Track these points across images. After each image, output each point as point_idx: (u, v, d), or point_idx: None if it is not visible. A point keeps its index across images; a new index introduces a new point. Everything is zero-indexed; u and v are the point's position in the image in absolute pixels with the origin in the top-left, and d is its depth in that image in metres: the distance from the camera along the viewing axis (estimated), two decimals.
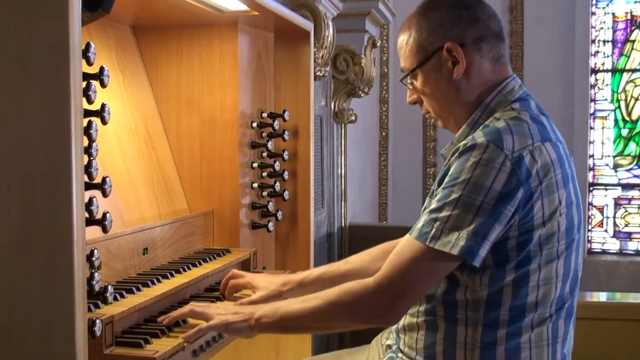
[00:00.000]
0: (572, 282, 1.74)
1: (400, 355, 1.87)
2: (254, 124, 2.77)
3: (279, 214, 2.89)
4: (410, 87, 1.89)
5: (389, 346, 2.02)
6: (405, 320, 1.85)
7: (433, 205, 1.66)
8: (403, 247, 1.69)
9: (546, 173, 1.63)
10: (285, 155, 2.89)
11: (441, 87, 1.81)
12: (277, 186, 2.86)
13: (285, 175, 2.90)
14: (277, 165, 2.86)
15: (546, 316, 1.71)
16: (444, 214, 1.62)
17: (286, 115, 2.88)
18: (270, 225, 2.86)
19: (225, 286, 2.23)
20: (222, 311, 1.87)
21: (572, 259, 1.72)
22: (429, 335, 1.77)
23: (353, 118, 4.66)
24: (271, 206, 2.86)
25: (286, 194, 2.90)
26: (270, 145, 2.83)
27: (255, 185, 2.79)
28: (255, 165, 2.78)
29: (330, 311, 1.74)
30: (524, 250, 1.65)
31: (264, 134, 2.83)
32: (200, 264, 2.38)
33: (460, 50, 1.76)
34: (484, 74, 1.79)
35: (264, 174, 2.84)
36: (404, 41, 1.85)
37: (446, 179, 1.66)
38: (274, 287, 2.15)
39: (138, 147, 2.45)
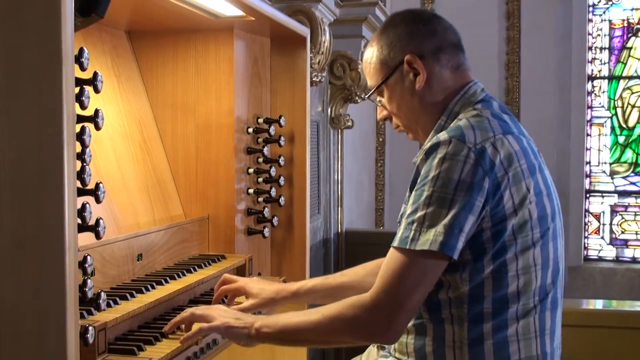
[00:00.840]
0: (553, 273, 1.77)
1: (392, 353, 1.89)
2: (250, 130, 2.76)
3: (275, 220, 2.88)
4: (379, 104, 1.96)
5: (382, 346, 2.04)
6: None
7: (408, 210, 1.69)
8: (389, 258, 1.69)
9: (510, 163, 1.68)
10: (281, 160, 2.88)
11: (406, 99, 1.88)
12: (273, 192, 2.85)
13: (281, 180, 2.89)
14: (273, 171, 2.85)
15: (530, 307, 1.72)
16: (419, 214, 1.65)
17: (282, 121, 2.87)
18: (266, 231, 2.85)
19: (218, 288, 2.21)
20: (223, 314, 1.88)
21: (549, 248, 1.75)
22: (418, 338, 1.79)
23: (350, 124, 4.66)
24: (267, 212, 2.85)
25: (282, 200, 2.89)
26: (266, 150, 2.83)
27: (250, 190, 2.78)
28: (251, 170, 2.77)
29: (331, 326, 1.74)
30: (499, 241, 1.68)
31: (260, 140, 2.82)
32: (195, 270, 2.37)
33: (419, 61, 1.84)
34: (445, 82, 1.86)
35: (260, 179, 2.83)
36: (367, 60, 1.94)
37: (418, 182, 1.70)
38: (266, 295, 2.14)
39: (133, 153, 2.44)
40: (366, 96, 1.97)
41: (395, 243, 1.68)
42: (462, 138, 1.66)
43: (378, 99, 1.95)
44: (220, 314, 1.87)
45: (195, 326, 1.88)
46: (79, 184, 1.51)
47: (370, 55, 1.92)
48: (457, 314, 1.72)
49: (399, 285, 1.65)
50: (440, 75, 1.85)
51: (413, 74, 1.85)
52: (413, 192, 1.70)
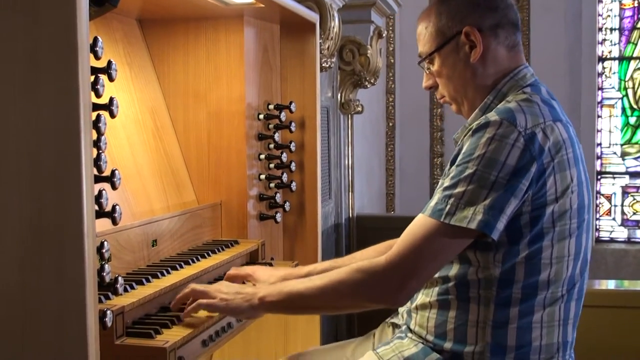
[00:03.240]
0: (582, 264, 1.78)
1: (409, 334, 1.90)
2: (261, 116, 2.78)
3: (287, 205, 2.91)
4: (427, 72, 1.95)
5: (396, 325, 2.04)
6: (419, 299, 1.87)
7: (446, 183, 1.68)
8: (416, 225, 1.70)
9: (558, 150, 1.68)
10: (292, 146, 2.90)
11: (458, 70, 1.87)
12: (285, 177, 2.87)
13: (293, 166, 2.91)
14: (284, 157, 2.87)
15: (558, 296, 1.74)
16: (459, 189, 1.65)
17: (293, 107, 2.89)
18: (278, 217, 2.87)
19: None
20: (224, 289, 1.88)
21: (582, 240, 1.76)
22: (441, 313, 1.79)
23: (360, 109, 4.67)
24: (279, 197, 2.87)
25: (293, 185, 2.91)
26: (277, 136, 2.85)
27: (262, 176, 2.80)
28: (262, 156, 2.79)
29: (338, 290, 1.74)
30: (536, 226, 1.68)
31: (271, 126, 2.84)
32: (209, 255, 2.40)
33: (478, 34, 1.82)
34: (499, 60, 1.85)
35: (271, 165, 2.85)
36: (424, 27, 1.92)
37: (459, 157, 1.69)
38: (275, 280, 2.12)
39: (146, 140, 2.47)
40: (418, 62, 1.94)
41: (427, 212, 1.68)
42: (514, 121, 1.66)
43: (427, 65, 1.94)
44: (219, 290, 1.88)
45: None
46: (95, 171, 1.54)
47: (428, 21, 1.90)
48: (485, 295, 1.73)
49: (420, 252, 1.66)
50: (496, 51, 1.85)
51: (469, 46, 1.84)
52: (454, 167, 1.69)
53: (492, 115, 1.69)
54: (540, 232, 1.69)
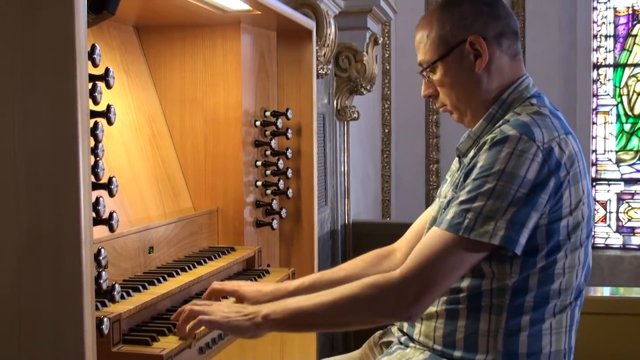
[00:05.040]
0: (587, 272, 1.80)
1: (412, 344, 1.88)
2: (257, 123, 2.78)
3: (283, 212, 2.91)
4: (427, 80, 1.92)
5: (388, 343, 2.02)
6: None
7: (463, 197, 1.66)
8: (432, 239, 1.67)
9: (572, 163, 1.69)
10: (289, 153, 2.90)
11: (462, 79, 1.84)
12: (281, 184, 2.88)
13: (289, 173, 2.92)
14: (280, 164, 2.88)
15: (567, 303, 1.75)
16: (478, 204, 1.63)
17: (289, 114, 2.89)
18: (275, 223, 2.87)
19: (208, 298, 2.08)
20: (224, 309, 1.81)
21: (589, 249, 1.79)
22: (449, 323, 1.78)
23: (355, 115, 4.67)
24: (275, 204, 2.87)
25: (290, 192, 2.91)
26: (273, 143, 2.85)
27: (259, 183, 2.80)
28: (259, 163, 2.80)
29: (350, 305, 1.70)
30: (553, 239, 1.68)
31: (268, 133, 2.84)
32: (205, 262, 2.40)
33: (483, 43, 1.80)
34: (502, 69, 1.84)
35: (268, 172, 2.86)
36: (425, 34, 1.88)
37: (476, 171, 1.67)
38: (263, 297, 2.04)
39: (142, 147, 2.47)
40: (419, 71, 1.91)
41: (444, 226, 1.66)
42: (532, 136, 1.65)
43: (427, 74, 1.90)
44: (220, 309, 1.80)
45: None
46: (92, 179, 1.54)
47: (429, 29, 1.86)
48: (497, 303, 1.72)
49: (436, 267, 1.64)
50: (500, 61, 1.83)
51: (474, 55, 1.81)
52: (470, 180, 1.67)
53: (509, 130, 1.67)
54: (557, 244, 1.69)
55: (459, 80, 1.85)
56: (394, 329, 2.04)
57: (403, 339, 1.93)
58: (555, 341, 1.74)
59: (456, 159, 1.96)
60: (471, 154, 1.78)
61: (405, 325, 1.95)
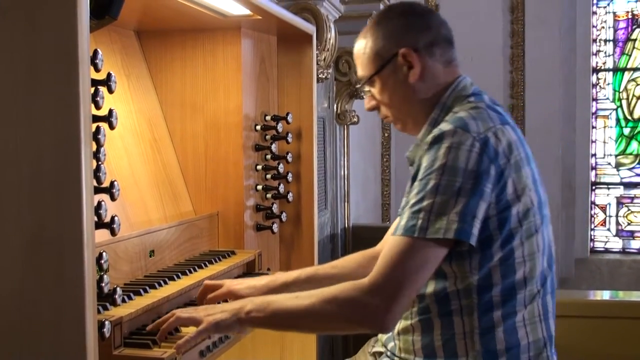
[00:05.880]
0: (549, 258, 1.82)
1: (397, 358, 1.89)
2: (258, 127, 2.79)
3: (283, 216, 2.92)
4: (369, 94, 1.97)
5: (379, 353, 2.04)
6: (400, 324, 1.86)
7: (413, 200, 1.69)
8: (392, 246, 1.68)
9: (511, 151, 1.72)
10: (289, 157, 2.91)
11: (398, 91, 1.90)
12: (281, 188, 2.89)
13: (289, 177, 2.93)
14: (281, 168, 2.89)
15: (535, 292, 1.76)
16: (427, 202, 1.66)
17: (289, 118, 2.90)
18: (275, 227, 2.88)
19: (202, 300, 2.10)
20: (210, 311, 1.81)
21: (545, 235, 1.80)
22: (425, 335, 1.79)
23: (355, 119, 4.68)
24: (275, 208, 2.88)
25: (290, 196, 2.92)
26: (274, 147, 2.86)
27: (259, 187, 2.81)
28: (259, 167, 2.81)
29: (323, 311, 1.71)
30: (505, 228, 1.70)
31: (268, 137, 2.85)
32: (206, 265, 2.41)
33: (414, 55, 1.86)
34: (437, 76, 1.89)
35: (268, 176, 2.87)
36: (361, 50, 1.94)
37: (421, 172, 1.71)
38: (257, 292, 2.06)
39: (143, 151, 2.48)
40: (358, 86, 1.99)
41: (399, 232, 1.68)
42: (466, 127, 1.69)
43: (368, 89, 1.96)
44: (207, 313, 1.80)
45: (190, 329, 1.83)
46: (94, 183, 1.55)
47: (364, 45, 1.93)
48: (466, 304, 1.74)
49: (401, 271, 1.65)
50: (434, 69, 1.88)
51: (407, 66, 1.86)
52: (417, 182, 1.71)
53: (445, 126, 1.72)
54: (510, 233, 1.71)
55: (396, 92, 1.90)
56: (381, 337, 2.04)
57: (389, 352, 1.95)
58: (531, 332, 1.76)
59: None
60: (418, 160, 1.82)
61: (390, 344, 1.96)
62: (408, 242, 1.66)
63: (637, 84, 6.60)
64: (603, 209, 6.70)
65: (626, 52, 6.64)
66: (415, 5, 1.98)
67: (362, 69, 1.95)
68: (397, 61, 1.87)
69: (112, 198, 1.66)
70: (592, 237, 6.67)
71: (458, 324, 1.75)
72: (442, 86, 1.88)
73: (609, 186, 6.68)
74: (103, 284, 1.62)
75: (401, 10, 1.94)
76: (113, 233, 1.65)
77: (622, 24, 6.67)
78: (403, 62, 1.86)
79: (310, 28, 3.01)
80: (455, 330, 1.75)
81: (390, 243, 1.70)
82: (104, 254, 1.63)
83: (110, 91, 1.65)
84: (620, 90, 6.63)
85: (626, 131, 6.64)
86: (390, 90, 1.91)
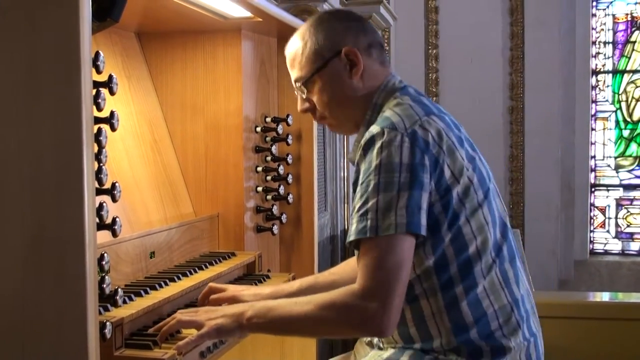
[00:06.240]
0: (501, 228, 1.86)
1: (384, 346, 1.95)
2: (258, 129, 2.80)
3: (283, 217, 2.92)
4: (304, 96, 1.99)
5: (371, 343, 2.07)
6: None
7: (358, 204, 1.72)
8: (360, 254, 1.70)
9: (441, 138, 1.76)
10: (289, 159, 2.92)
11: (338, 89, 1.93)
12: (282, 190, 2.89)
13: (289, 178, 2.93)
14: (281, 169, 2.89)
15: (490, 262, 1.80)
16: (371, 203, 1.69)
17: (290, 120, 2.91)
18: (275, 229, 2.89)
19: (203, 301, 2.10)
20: (212, 315, 1.82)
21: (493, 206, 1.85)
22: (400, 322, 1.79)
23: None
24: (275, 209, 2.89)
25: (290, 198, 2.93)
26: (274, 149, 2.87)
27: (259, 189, 2.82)
28: (259, 169, 2.81)
29: (322, 317, 1.72)
30: (449, 209, 1.75)
31: (268, 139, 2.86)
32: (206, 267, 2.41)
33: (358, 53, 1.91)
34: (374, 75, 1.94)
35: (268, 177, 2.87)
36: (298, 51, 1.97)
37: (361, 176, 1.75)
38: (262, 299, 2.05)
39: (144, 152, 2.48)
40: (297, 86, 1.99)
41: (352, 237, 1.71)
42: (393, 126, 1.74)
43: (303, 89, 1.97)
44: (208, 317, 1.81)
45: (192, 331, 1.83)
46: (96, 184, 1.55)
47: (302, 46, 1.95)
48: (428, 286, 1.78)
49: (382, 271, 1.66)
50: (371, 68, 1.93)
51: (349, 65, 1.91)
52: (358, 187, 1.75)
53: (374, 128, 1.76)
54: (454, 213, 1.75)
55: (335, 91, 1.93)
56: None
57: (380, 343, 2.00)
58: (495, 300, 1.79)
59: None
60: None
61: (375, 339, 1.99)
62: (369, 245, 1.68)
63: (637, 86, 6.61)
64: (602, 210, 6.70)
65: (625, 54, 6.64)
66: (348, 11, 2.06)
67: (299, 70, 1.97)
68: (338, 60, 1.91)
69: (114, 199, 1.67)
70: (592, 239, 6.67)
71: (425, 307, 1.79)
72: (376, 86, 1.94)
73: (609, 188, 6.69)
74: (104, 285, 1.63)
75: (339, 14, 2.03)
76: (114, 234, 1.66)
77: (621, 26, 6.67)
78: (345, 61, 1.91)
79: None
80: (425, 313, 1.80)
81: (358, 254, 1.73)
82: (105, 255, 1.63)
83: (112, 93, 1.66)
84: (620, 92, 6.64)
85: (625, 133, 6.65)
86: (330, 89, 1.93)
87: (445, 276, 1.77)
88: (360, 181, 1.74)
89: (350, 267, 2.22)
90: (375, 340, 2.02)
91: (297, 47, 1.97)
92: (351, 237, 1.72)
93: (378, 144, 1.72)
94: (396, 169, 1.69)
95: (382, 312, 1.65)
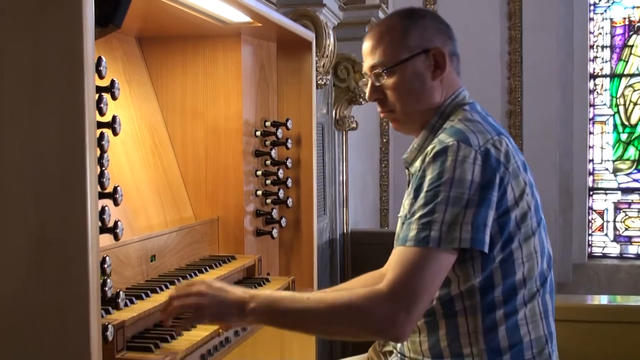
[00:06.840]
0: (547, 259, 1.87)
1: (407, 358, 1.92)
2: (258, 133, 2.81)
3: (283, 221, 2.94)
4: (377, 84, 1.94)
5: (389, 352, 2.06)
6: None
7: (421, 211, 1.71)
8: (404, 258, 1.69)
9: (508, 160, 1.77)
10: (289, 163, 2.93)
11: (418, 87, 1.92)
12: (281, 193, 2.91)
13: (289, 182, 2.95)
14: (280, 173, 2.91)
15: (534, 291, 1.81)
16: (438, 214, 1.69)
17: (289, 124, 2.92)
18: (275, 232, 2.90)
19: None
20: (216, 302, 1.77)
21: (543, 237, 1.87)
22: (432, 335, 1.83)
23: (354, 125, 4.71)
24: (275, 213, 2.90)
25: (290, 201, 2.94)
26: (273, 153, 2.88)
27: (259, 192, 2.83)
28: (259, 173, 2.83)
29: (338, 316, 1.71)
30: (505, 231, 1.76)
31: (268, 143, 2.87)
32: (206, 270, 2.42)
33: (447, 56, 1.91)
34: (450, 83, 1.95)
35: (268, 181, 2.89)
36: (384, 39, 1.92)
37: (426, 183, 1.74)
38: None
39: (145, 156, 2.50)
40: (373, 71, 1.93)
41: (411, 242, 1.69)
42: (467, 141, 1.74)
43: (379, 78, 1.93)
44: (211, 304, 1.76)
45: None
46: (98, 188, 1.57)
47: (389, 35, 1.91)
48: (469, 305, 1.78)
49: (417, 281, 1.66)
50: (450, 75, 1.94)
51: (434, 65, 1.90)
52: (423, 193, 1.73)
53: (447, 138, 1.76)
54: (509, 235, 1.77)
55: (415, 87, 1.92)
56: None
57: (399, 355, 1.97)
58: (533, 329, 1.81)
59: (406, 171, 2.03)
60: (417, 164, 1.88)
61: (399, 344, 1.97)
62: (421, 253, 1.68)
63: (634, 90, 6.63)
64: (600, 214, 6.72)
65: (623, 58, 6.67)
66: (440, 16, 2.02)
67: (380, 56, 1.92)
68: (424, 58, 1.90)
69: (116, 203, 1.68)
70: (590, 242, 6.69)
71: (462, 324, 1.80)
72: (449, 94, 1.93)
73: (607, 191, 6.71)
74: (106, 288, 1.64)
75: (433, 15, 2.02)
76: (116, 238, 1.67)
77: (619, 30, 6.70)
78: (431, 60, 1.90)
79: (310, 35, 3.03)
80: (460, 330, 1.80)
81: (401, 255, 1.71)
82: (107, 258, 1.65)
83: (114, 98, 1.67)
84: (618, 95, 6.66)
85: (623, 137, 6.67)
86: (408, 84, 1.91)
87: (489, 298, 1.77)
88: (426, 188, 1.73)
89: (358, 283, 2.15)
90: (397, 349, 1.98)
91: (382, 34, 1.93)
92: (410, 243, 1.70)
93: (452, 157, 1.72)
94: (467, 186, 1.70)
95: (404, 318, 1.65)
